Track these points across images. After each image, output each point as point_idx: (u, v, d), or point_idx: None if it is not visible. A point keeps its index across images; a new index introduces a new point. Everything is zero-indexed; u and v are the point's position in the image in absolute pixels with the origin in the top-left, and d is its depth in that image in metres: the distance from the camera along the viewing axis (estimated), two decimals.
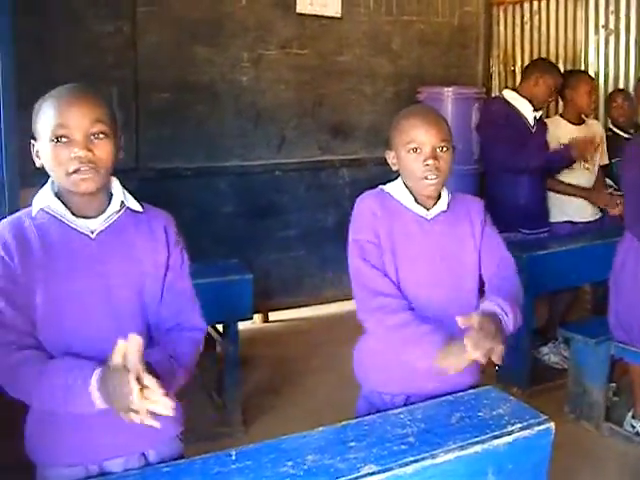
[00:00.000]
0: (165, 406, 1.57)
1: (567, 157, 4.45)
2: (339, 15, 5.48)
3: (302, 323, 5.39)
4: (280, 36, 5.29)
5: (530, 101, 4.47)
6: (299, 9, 5.31)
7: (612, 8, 5.53)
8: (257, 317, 5.55)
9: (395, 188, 2.29)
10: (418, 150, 2.18)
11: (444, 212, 2.28)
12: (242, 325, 5.05)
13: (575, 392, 3.97)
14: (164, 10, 4.86)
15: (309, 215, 5.12)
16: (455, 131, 4.84)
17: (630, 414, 3.84)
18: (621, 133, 4.93)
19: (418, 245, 2.24)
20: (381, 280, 2.18)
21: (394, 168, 2.28)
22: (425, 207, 2.26)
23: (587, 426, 3.92)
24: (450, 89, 5.30)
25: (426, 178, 2.18)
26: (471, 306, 2.28)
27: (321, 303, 5.53)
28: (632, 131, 5.05)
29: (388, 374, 2.27)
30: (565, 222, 4.68)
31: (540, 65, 4.65)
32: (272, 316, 5.60)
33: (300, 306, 5.43)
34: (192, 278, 2.02)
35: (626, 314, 3.64)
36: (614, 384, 4.12)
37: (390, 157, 2.28)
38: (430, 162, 2.16)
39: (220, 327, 4.00)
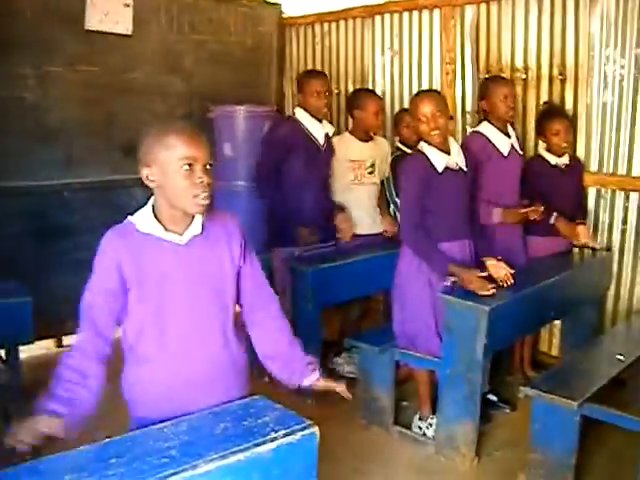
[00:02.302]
0: None
1: None
2: (130, 33, 5.40)
3: None
4: (68, 52, 5.12)
5: (315, 116, 4.55)
6: (88, 25, 5.17)
7: (396, 31, 5.78)
8: (51, 342, 5.37)
9: (141, 218, 2.21)
10: (191, 166, 2.12)
11: (200, 234, 2.25)
12: (34, 351, 4.88)
13: (365, 398, 4.10)
14: None
15: (101, 236, 4.84)
16: (246, 148, 4.98)
17: (417, 416, 4.02)
18: (409, 151, 5.11)
19: (175, 273, 2.21)
20: (80, 333, 2.21)
21: (151, 185, 2.19)
22: (177, 232, 2.21)
23: (377, 430, 4.06)
24: (242, 108, 5.35)
25: (197, 196, 2.14)
26: (230, 331, 2.34)
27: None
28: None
29: (155, 404, 2.24)
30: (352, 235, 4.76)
31: (299, 78, 4.76)
32: (66, 340, 5.41)
33: None
34: None
35: (411, 323, 3.80)
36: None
37: (148, 174, 2.17)
38: (204, 179, 2.14)
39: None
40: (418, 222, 3.67)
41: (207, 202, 2.18)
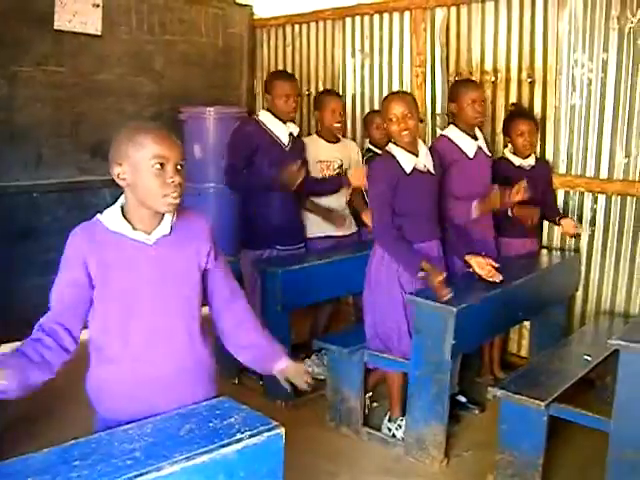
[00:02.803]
0: None
1: (337, 184, 4.66)
2: (99, 33, 5.37)
3: None
4: (37, 52, 5.08)
5: (280, 117, 4.53)
6: (57, 25, 5.13)
7: (367, 33, 5.80)
8: (18, 345, 5.30)
9: (110, 216, 2.20)
10: (162, 166, 2.12)
11: (168, 234, 2.25)
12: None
13: (334, 400, 4.09)
14: None
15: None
16: (216, 150, 4.95)
17: (386, 418, 4.02)
18: (379, 152, 5.13)
19: (141, 273, 2.20)
20: (47, 322, 2.17)
21: (122, 184, 2.18)
22: (145, 231, 2.21)
23: (347, 432, 4.05)
24: (212, 109, 5.33)
25: (168, 196, 2.14)
26: (195, 331, 2.33)
27: (86, 327, 5.33)
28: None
29: (119, 404, 2.23)
30: (322, 237, 4.79)
31: (266, 80, 4.73)
32: None
33: None
34: None
35: (383, 325, 3.80)
36: (370, 393, 4.28)
37: (119, 173, 2.16)
38: (176, 179, 2.14)
39: None
40: (390, 222, 3.68)
41: (177, 202, 2.18)
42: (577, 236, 4.62)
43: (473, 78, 4.92)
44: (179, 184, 2.15)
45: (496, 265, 3.82)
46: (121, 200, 2.23)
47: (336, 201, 4.84)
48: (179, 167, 2.17)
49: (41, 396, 4.25)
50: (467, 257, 3.86)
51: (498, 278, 3.78)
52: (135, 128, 2.22)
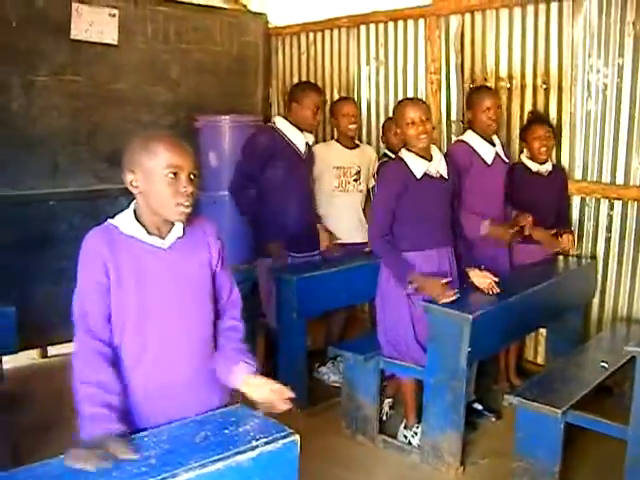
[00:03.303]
0: None
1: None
2: (115, 42, 5.38)
3: None
4: (53, 62, 5.10)
5: (299, 126, 4.55)
6: (74, 35, 5.14)
7: (382, 41, 5.80)
8: (35, 352, 5.34)
9: (124, 221, 2.22)
10: (175, 175, 2.15)
11: (180, 239, 2.26)
12: (18, 361, 4.85)
13: (350, 407, 4.09)
14: None
15: None
16: (232, 158, 4.96)
17: (402, 425, 4.01)
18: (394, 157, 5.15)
19: (157, 277, 2.21)
20: (94, 323, 2.13)
21: (135, 191, 2.20)
22: (159, 236, 2.23)
23: (362, 440, 4.05)
24: (227, 117, 5.34)
25: (180, 205, 2.16)
26: (209, 335, 2.35)
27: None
28: None
29: (132, 409, 2.21)
30: (337, 244, 4.80)
31: (295, 89, 4.74)
32: (52, 350, 5.39)
33: None
34: None
35: (393, 330, 3.81)
36: (391, 399, 4.28)
37: (132, 180, 2.19)
38: (189, 189, 2.16)
39: None
40: (386, 231, 3.70)
41: (188, 211, 2.20)
42: (565, 252, 4.65)
43: (488, 84, 4.92)
44: (191, 193, 2.18)
45: (495, 279, 3.82)
46: (133, 205, 2.25)
47: (350, 209, 4.86)
48: (192, 177, 2.19)
49: (55, 403, 4.32)
50: (467, 269, 3.87)
51: (495, 290, 3.79)
52: (149, 136, 2.24)
